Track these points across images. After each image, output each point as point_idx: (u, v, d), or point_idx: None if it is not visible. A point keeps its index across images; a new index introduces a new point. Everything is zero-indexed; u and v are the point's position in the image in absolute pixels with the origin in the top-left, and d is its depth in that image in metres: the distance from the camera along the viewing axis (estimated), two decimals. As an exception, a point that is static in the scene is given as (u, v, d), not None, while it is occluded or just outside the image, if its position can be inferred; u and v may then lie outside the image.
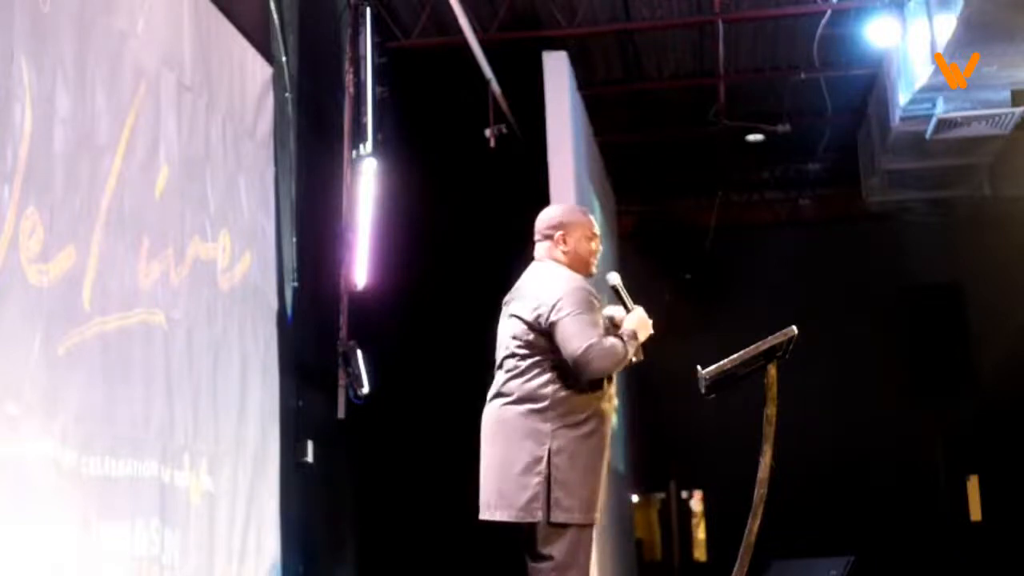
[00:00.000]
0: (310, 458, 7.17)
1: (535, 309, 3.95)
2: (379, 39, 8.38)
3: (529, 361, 3.96)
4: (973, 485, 13.18)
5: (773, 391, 4.03)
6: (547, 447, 3.87)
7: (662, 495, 14.66)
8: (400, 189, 8.49)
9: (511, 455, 3.91)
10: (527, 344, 3.96)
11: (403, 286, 8.57)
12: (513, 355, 4.00)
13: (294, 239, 7.20)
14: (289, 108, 7.24)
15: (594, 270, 4.19)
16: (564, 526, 3.85)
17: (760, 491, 3.97)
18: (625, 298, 4.08)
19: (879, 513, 12.50)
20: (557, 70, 8.43)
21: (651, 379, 13.01)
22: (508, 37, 9.18)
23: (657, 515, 14.86)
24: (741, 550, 4.00)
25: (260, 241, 6.51)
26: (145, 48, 5.18)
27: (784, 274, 12.67)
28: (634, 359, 4.00)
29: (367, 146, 7.88)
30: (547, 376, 3.93)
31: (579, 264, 4.13)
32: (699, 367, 4.01)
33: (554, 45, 8.71)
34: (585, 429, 3.91)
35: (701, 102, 10.98)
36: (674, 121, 11.63)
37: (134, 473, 4.87)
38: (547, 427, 3.89)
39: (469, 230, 9.90)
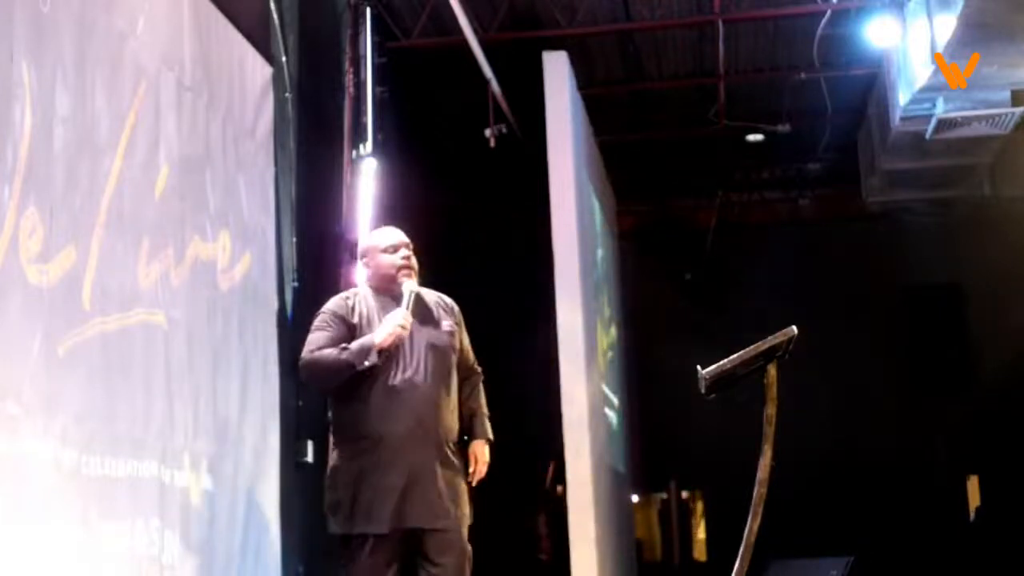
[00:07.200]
0: (310, 458, 7.16)
1: None
2: (379, 39, 8.38)
3: None
4: (973, 485, 13.19)
5: (773, 391, 4.02)
6: (330, 464, 4.28)
7: (662, 495, 14.66)
8: (400, 189, 8.49)
9: None
10: None
11: (403, 286, 8.55)
12: None
13: (294, 239, 7.19)
14: (289, 108, 7.23)
15: (404, 277, 4.36)
16: (341, 535, 4.26)
17: (760, 491, 3.97)
18: (404, 304, 4.26)
19: (879, 513, 12.50)
20: (557, 70, 8.42)
21: (651, 379, 13.02)
22: (508, 37, 9.17)
23: (657, 515, 14.85)
24: (741, 550, 4.00)
25: (260, 241, 6.50)
26: (145, 48, 5.18)
27: (784, 274, 12.65)
28: (368, 363, 4.15)
29: (367, 146, 7.88)
30: (334, 401, 4.34)
31: (382, 279, 4.36)
32: (699, 367, 4.01)
33: (554, 45, 8.70)
34: (357, 447, 4.19)
35: (701, 102, 10.98)
36: (674, 121, 11.62)
37: (134, 473, 4.87)
38: (332, 446, 4.30)
39: (469, 230, 9.90)
